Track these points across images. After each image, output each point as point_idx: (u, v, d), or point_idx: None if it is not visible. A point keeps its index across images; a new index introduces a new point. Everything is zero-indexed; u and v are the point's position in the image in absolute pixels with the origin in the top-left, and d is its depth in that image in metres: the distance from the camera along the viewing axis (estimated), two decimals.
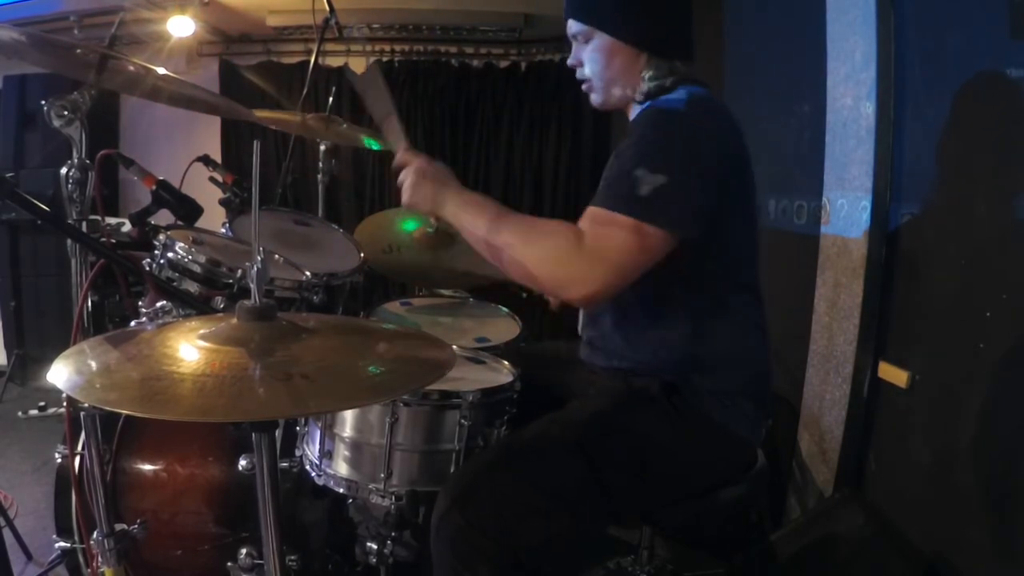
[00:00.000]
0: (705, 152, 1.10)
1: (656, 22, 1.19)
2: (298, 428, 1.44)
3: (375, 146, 2.34)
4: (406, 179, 1.23)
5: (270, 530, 0.88)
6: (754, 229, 1.25)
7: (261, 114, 2.09)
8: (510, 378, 1.38)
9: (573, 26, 1.23)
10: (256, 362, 0.79)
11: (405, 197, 1.23)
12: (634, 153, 1.07)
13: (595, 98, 1.28)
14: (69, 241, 1.28)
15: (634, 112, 1.26)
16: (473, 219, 1.16)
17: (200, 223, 1.73)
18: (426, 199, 1.21)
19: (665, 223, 1.03)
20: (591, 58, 1.23)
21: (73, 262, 1.30)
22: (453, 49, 4.02)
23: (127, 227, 1.76)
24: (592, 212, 1.08)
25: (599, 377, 1.32)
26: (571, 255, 1.05)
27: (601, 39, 1.20)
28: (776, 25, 2.26)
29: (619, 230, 1.03)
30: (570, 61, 1.27)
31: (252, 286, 0.85)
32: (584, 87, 1.28)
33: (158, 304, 1.35)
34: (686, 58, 1.22)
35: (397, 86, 4.00)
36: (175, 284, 1.47)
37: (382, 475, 1.26)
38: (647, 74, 1.20)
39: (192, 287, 1.49)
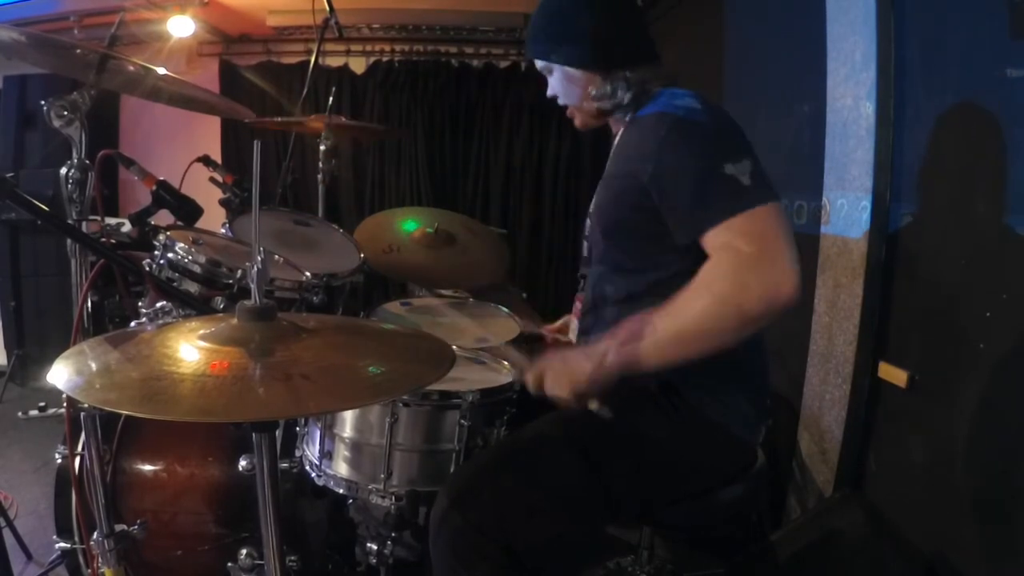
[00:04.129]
0: (742, 134, 1.11)
1: (600, 40, 1.21)
2: (298, 428, 1.44)
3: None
4: (550, 382, 1.07)
5: (270, 530, 0.88)
6: None
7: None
8: (510, 378, 1.38)
9: (537, 63, 1.30)
10: (256, 362, 0.78)
11: (565, 392, 1.04)
12: (705, 157, 1.04)
13: (577, 122, 1.33)
14: (69, 241, 1.28)
15: (620, 127, 1.29)
16: (656, 347, 1.01)
17: (200, 223, 1.73)
18: (590, 375, 1.02)
19: (775, 196, 1.02)
20: (558, 88, 1.29)
21: (73, 262, 1.29)
22: (453, 49, 4.02)
23: (127, 227, 1.76)
24: (719, 229, 1.00)
25: None
26: (751, 268, 0.96)
27: (559, 70, 1.26)
28: (776, 25, 2.26)
29: (758, 221, 0.99)
30: (549, 93, 1.32)
31: (252, 286, 0.85)
32: (568, 114, 1.33)
33: (158, 304, 1.36)
34: (644, 60, 1.23)
35: (397, 86, 4.00)
36: (175, 284, 1.47)
37: (382, 475, 1.26)
38: (603, 91, 1.22)
39: (192, 287, 1.49)
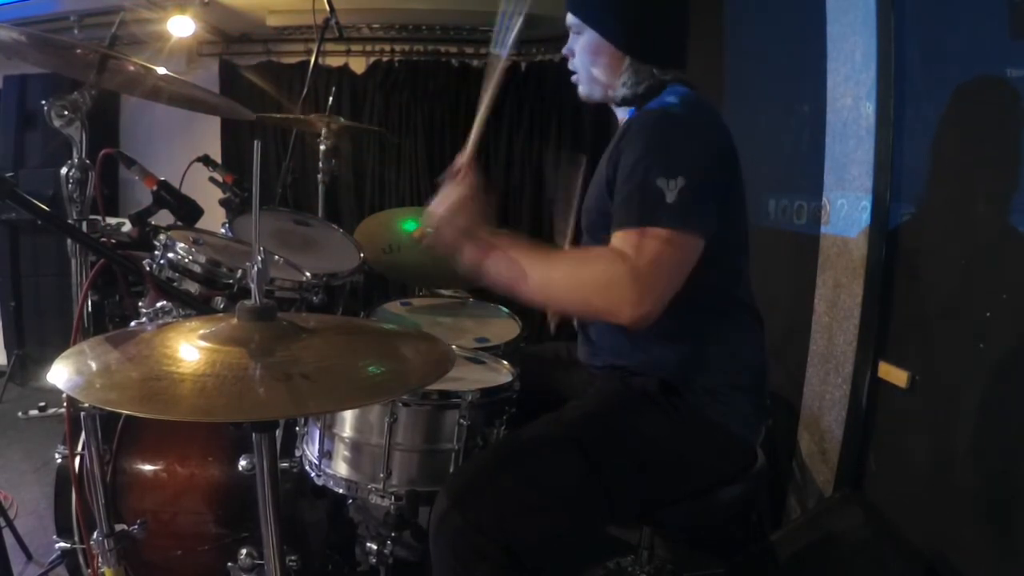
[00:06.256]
0: (709, 149, 1.12)
1: (643, 27, 1.21)
2: (298, 428, 1.44)
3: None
4: (443, 203, 1.17)
5: (270, 530, 0.88)
6: (746, 225, 1.26)
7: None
8: (509, 378, 1.38)
9: (569, 17, 1.28)
10: (256, 362, 0.78)
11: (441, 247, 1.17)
12: (647, 162, 1.06)
13: (581, 89, 1.32)
14: (69, 241, 1.28)
15: (619, 114, 1.29)
16: (510, 263, 1.11)
17: (200, 223, 1.73)
18: (454, 236, 1.15)
19: (696, 226, 1.04)
20: (580, 51, 1.27)
21: (73, 262, 1.29)
22: (453, 49, 4.01)
23: (127, 227, 1.76)
24: (625, 233, 1.05)
25: (597, 377, 1.32)
26: (621, 278, 1.02)
27: (590, 35, 1.24)
28: (776, 25, 2.25)
29: (659, 243, 1.02)
30: (564, 50, 1.31)
31: (252, 286, 0.85)
32: (572, 78, 1.32)
33: (158, 304, 1.36)
34: (674, 65, 1.24)
35: (397, 86, 4.00)
36: (175, 284, 1.47)
37: (382, 475, 1.26)
38: (625, 77, 1.23)
39: (192, 287, 1.49)
